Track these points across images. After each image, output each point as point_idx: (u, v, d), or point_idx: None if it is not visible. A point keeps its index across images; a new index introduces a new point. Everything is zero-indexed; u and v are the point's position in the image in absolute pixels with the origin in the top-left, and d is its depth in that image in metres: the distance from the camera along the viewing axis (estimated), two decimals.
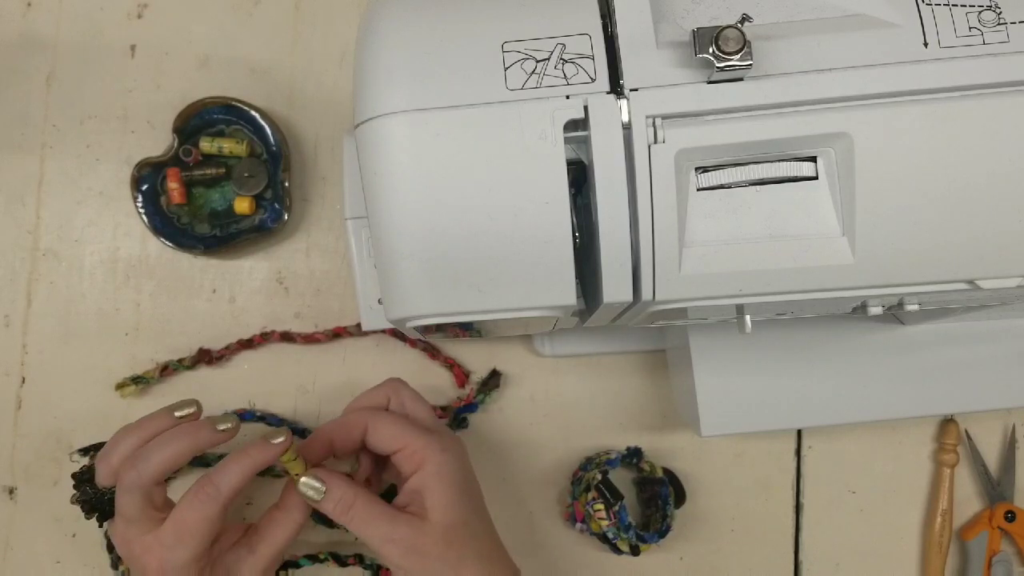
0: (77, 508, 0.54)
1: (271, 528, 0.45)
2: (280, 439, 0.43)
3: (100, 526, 0.46)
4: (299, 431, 0.54)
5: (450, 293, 0.34)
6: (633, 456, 0.54)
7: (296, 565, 0.53)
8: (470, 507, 0.43)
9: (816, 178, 0.34)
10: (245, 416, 0.54)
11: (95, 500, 0.44)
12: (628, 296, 0.34)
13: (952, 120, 0.32)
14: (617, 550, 0.52)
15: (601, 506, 0.51)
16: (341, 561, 0.53)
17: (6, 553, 0.54)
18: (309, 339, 0.55)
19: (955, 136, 0.32)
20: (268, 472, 0.53)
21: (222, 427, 0.43)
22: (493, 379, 0.55)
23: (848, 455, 0.56)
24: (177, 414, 0.44)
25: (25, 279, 0.55)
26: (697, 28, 0.31)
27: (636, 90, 0.32)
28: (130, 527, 0.42)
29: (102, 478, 0.44)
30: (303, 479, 0.43)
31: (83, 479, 0.45)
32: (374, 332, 0.55)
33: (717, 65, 0.31)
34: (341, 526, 0.53)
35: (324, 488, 0.43)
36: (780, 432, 0.56)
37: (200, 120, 0.54)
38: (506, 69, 0.32)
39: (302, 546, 0.54)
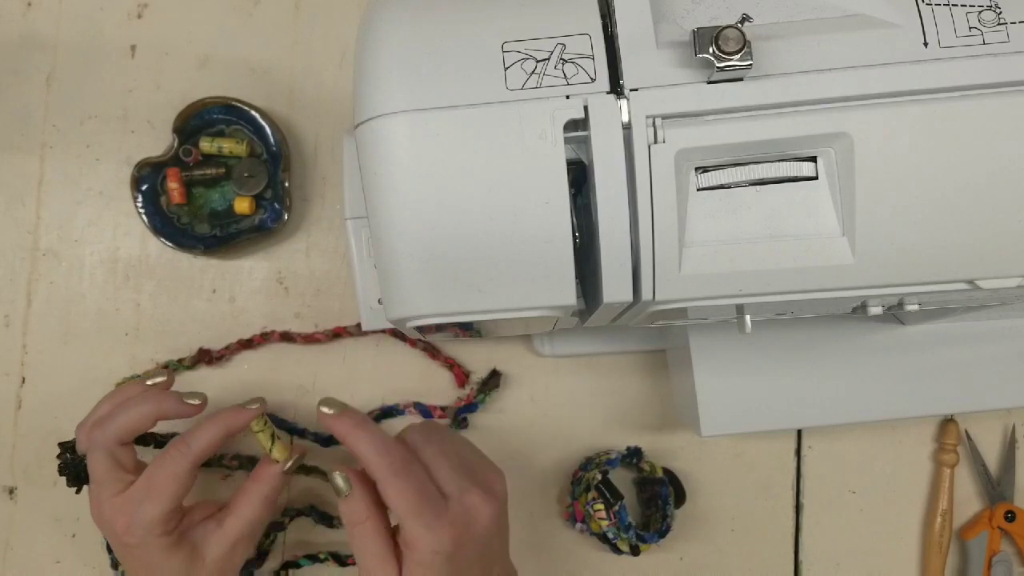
0: (77, 508, 0.54)
1: (239, 501, 0.45)
2: (254, 406, 0.45)
3: (77, 492, 0.47)
4: (299, 431, 0.54)
5: (450, 293, 0.34)
6: (633, 456, 0.54)
7: (296, 565, 0.53)
8: None
9: (816, 178, 0.34)
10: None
11: (73, 465, 0.46)
12: (628, 296, 0.34)
13: (952, 120, 0.32)
14: (617, 550, 0.52)
15: (601, 506, 0.51)
16: (341, 561, 0.53)
17: (6, 553, 0.54)
18: (309, 339, 0.55)
19: (955, 136, 0.32)
20: None
21: (190, 400, 0.45)
22: (493, 379, 0.55)
23: (848, 455, 0.56)
24: (148, 383, 0.47)
25: (25, 279, 0.55)
26: (697, 28, 0.31)
27: (636, 90, 0.32)
28: (101, 489, 0.43)
29: (81, 445, 0.46)
30: (337, 472, 0.42)
31: (67, 447, 0.47)
32: (374, 332, 0.55)
33: (717, 65, 0.31)
34: (340, 526, 0.53)
35: (351, 491, 0.42)
36: (780, 432, 0.56)
37: (200, 120, 0.54)
38: (506, 69, 0.32)
39: (302, 546, 0.54)
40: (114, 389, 0.47)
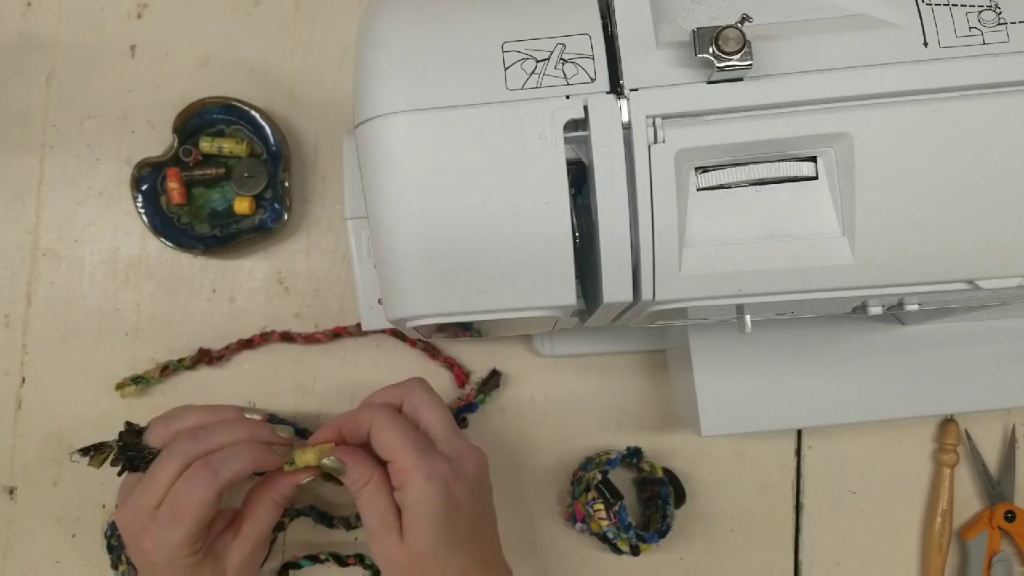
0: (77, 508, 0.54)
1: (253, 507, 0.45)
2: (284, 434, 0.45)
3: (119, 475, 0.46)
4: (299, 431, 0.54)
5: (450, 293, 0.34)
6: (633, 456, 0.54)
7: (297, 566, 0.53)
8: (445, 540, 0.42)
9: (816, 178, 0.34)
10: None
11: (138, 458, 0.45)
12: (628, 296, 0.34)
13: (952, 120, 0.32)
14: (617, 550, 0.52)
15: (601, 506, 0.51)
16: (341, 561, 0.53)
17: (6, 553, 0.54)
18: (309, 339, 0.55)
19: (955, 136, 0.32)
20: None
21: (283, 437, 0.45)
22: (493, 379, 0.55)
23: (848, 455, 0.56)
24: (246, 415, 0.47)
25: (25, 279, 0.55)
26: (697, 28, 0.31)
27: (636, 90, 0.32)
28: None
29: (154, 439, 0.45)
30: (326, 459, 0.44)
31: (133, 431, 0.46)
32: (374, 332, 0.55)
33: (717, 65, 0.31)
34: (340, 526, 0.53)
35: (344, 465, 0.44)
36: (780, 432, 0.56)
37: (200, 120, 0.54)
38: (506, 69, 0.32)
39: (302, 547, 0.54)
40: (207, 406, 0.46)
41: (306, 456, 0.44)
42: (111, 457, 0.46)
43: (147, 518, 0.42)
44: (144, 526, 0.42)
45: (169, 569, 0.43)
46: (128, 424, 0.47)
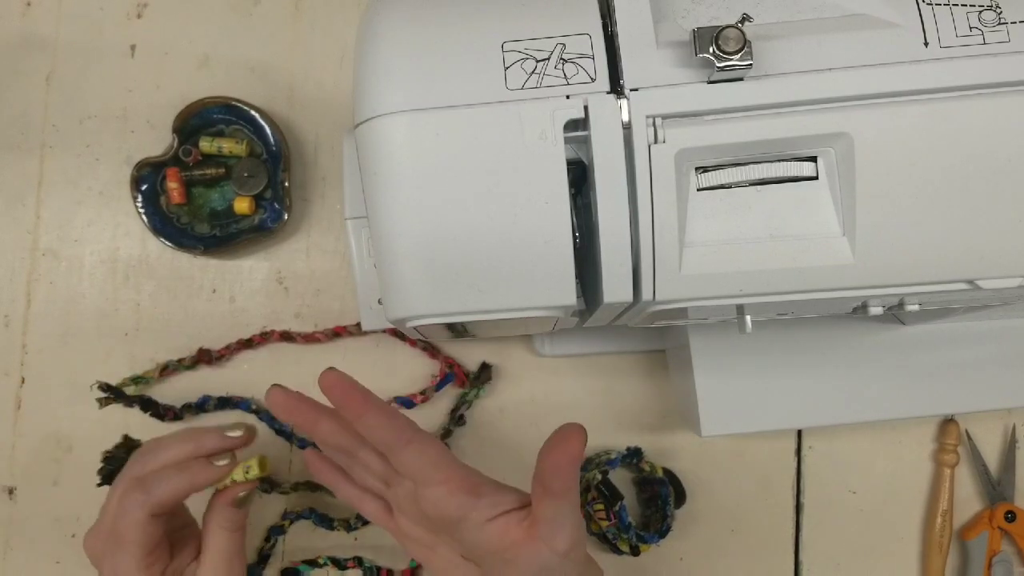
0: (77, 508, 0.54)
1: (207, 535, 0.44)
2: (223, 462, 0.43)
3: (99, 485, 0.47)
4: (285, 432, 0.54)
5: (450, 293, 0.34)
6: (633, 456, 0.54)
7: (296, 571, 0.53)
8: None
9: (816, 178, 0.34)
10: (241, 406, 0.54)
11: (117, 472, 0.45)
12: (628, 296, 0.34)
13: (952, 120, 0.32)
14: (617, 550, 0.52)
15: (601, 506, 0.51)
16: (340, 565, 0.53)
17: (6, 553, 0.54)
18: (309, 339, 0.55)
19: (955, 136, 0.32)
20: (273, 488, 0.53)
21: (219, 463, 0.43)
22: (484, 373, 0.55)
23: (848, 455, 0.56)
24: (228, 433, 0.44)
25: (25, 279, 0.55)
26: (697, 28, 0.31)
27: (636, 90, 0.32)
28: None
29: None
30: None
31: (129, 446, 0.47)
32: (374, 332, 0.55)
33: (717, 65, 0.31)
34: (340, 528, 0.53)
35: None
36: (780, 432, 0.56)
37: (200, 120, 0.54)
38: (506, 69, 0.32)
39: (302, 551, 0.54)
40: (189, 430, 0.45)
41: (235, 472, 0.43)
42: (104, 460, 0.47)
43: (102, 542, 0.42)
44: (102, 551, 0.42)
45: None
46: (126, 438, 0.47)
